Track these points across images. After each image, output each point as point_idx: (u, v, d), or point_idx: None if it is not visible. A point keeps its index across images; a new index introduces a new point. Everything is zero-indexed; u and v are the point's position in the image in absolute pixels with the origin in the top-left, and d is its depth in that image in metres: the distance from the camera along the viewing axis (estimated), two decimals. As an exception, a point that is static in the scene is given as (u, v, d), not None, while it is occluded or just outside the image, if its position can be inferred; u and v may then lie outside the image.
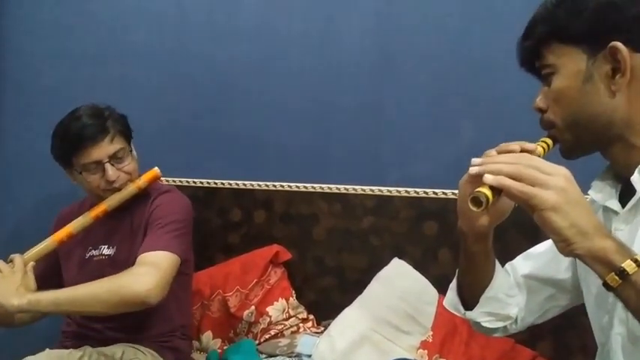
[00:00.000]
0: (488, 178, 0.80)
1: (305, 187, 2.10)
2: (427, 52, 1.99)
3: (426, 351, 1.80)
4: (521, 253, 1.20)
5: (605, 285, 0.77)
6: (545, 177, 0.77)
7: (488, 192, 0.80)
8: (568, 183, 0.78)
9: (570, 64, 0.91)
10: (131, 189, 1.63)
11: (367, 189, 2.03)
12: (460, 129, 1.96)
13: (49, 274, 1.69)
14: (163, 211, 1.63)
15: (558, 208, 0.76)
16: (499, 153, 0.88)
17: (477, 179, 0.83)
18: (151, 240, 1.57)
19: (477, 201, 0.80)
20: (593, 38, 0.89)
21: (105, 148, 1.59)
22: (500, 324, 1.11)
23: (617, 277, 0.75)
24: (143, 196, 1.68)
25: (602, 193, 0.98)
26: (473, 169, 0.85)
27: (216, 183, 2.21)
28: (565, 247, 0.78)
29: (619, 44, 0.86)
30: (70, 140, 1.58)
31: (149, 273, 1.47)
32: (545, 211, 0.76)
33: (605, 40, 0.87)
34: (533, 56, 0.96)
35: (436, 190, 1.96)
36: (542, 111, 0.97)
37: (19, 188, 2.40)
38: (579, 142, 0.95)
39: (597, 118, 0.90)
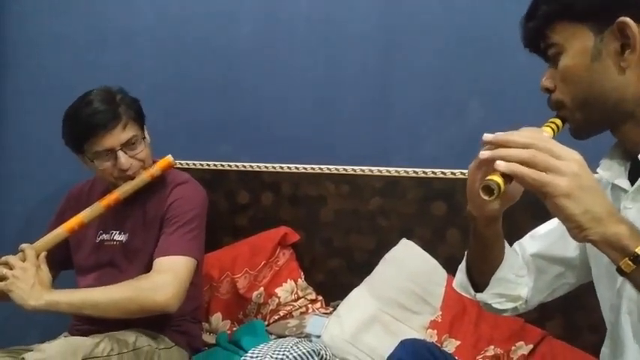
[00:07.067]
0: (501, 165, 0.78)
1: (312, 168, 2.10)
2: (434, 32, 1.97)
3: (435, 331, 1.80)
4: (529, 231, 1.19)
5: (619, 270, 0.77)
6: (559, 163, 0.76)
7: (499, 180, 0.78)
8: (581, 168, 0.77)
9: (577, 43, 0.90)
10: (144, 177, 1.60)
11: (375, 170, 2.02)
12: (467, 109, 1.94)
13: (57, 254, 1.65)
14: (181, 208, 1.61)
15: (571, 194, 0.75)
16: None
17: (488, 163, 0.82)
18: (168, 242, 1.56)
19: (488, 189, 0.78)
20: (599, 15, 0.88)
21: (117, 136, 1.54)
22: (510, 305, 1.11)
23: (630, 263, 0.75)
24: (158, 184, 1.65)
25: (611, 171, 0.97)
26: (484, 154, 0.82)
27: (223, 165, 2.21)
28: (578, 233, 0.77)
29: (628, 19, 0.85)
30: (81, 127, 1.54)
31: (168, 282, 1.47)
32: (558, 198, 0.75)
33: (612, 16, 0.86)
34: (537, 37, 0.95)
35: (444, 170, 1.94)
36: (549, 91, 0.96)
37: (21, 173, 2.40)
38: (590, 121, 0.93)
39: (608, 95, 0.89)
